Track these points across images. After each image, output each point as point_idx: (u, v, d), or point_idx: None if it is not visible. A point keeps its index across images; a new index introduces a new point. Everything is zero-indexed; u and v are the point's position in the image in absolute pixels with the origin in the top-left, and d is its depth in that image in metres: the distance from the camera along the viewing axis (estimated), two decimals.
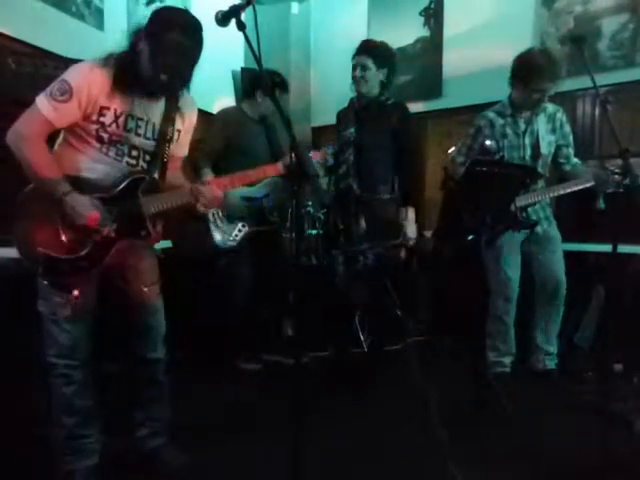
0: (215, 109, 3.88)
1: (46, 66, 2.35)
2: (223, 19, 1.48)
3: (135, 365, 1.80)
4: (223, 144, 2.87)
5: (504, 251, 2.56)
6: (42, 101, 1.50)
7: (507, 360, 2.66)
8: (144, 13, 3.48)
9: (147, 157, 1.68)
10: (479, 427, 2.15)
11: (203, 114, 4.02)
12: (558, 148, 2.65)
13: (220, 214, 2.84)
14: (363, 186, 2.67)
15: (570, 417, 2.27)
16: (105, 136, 1.58)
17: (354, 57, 2.68)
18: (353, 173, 2.68)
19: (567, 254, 2.73)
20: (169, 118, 1.68)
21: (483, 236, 2.18)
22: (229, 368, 2.93)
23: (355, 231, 2.66)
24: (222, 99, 4.30)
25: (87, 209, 1.51)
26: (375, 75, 2.66)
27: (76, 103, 1.50)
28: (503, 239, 2.51)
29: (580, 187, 2.49)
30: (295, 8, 4.76)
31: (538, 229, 2.60)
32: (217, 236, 2.84)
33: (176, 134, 1.73)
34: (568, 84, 3.34)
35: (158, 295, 1.81)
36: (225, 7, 1.47)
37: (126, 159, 1.64)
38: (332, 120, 4.07)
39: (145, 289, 1.75)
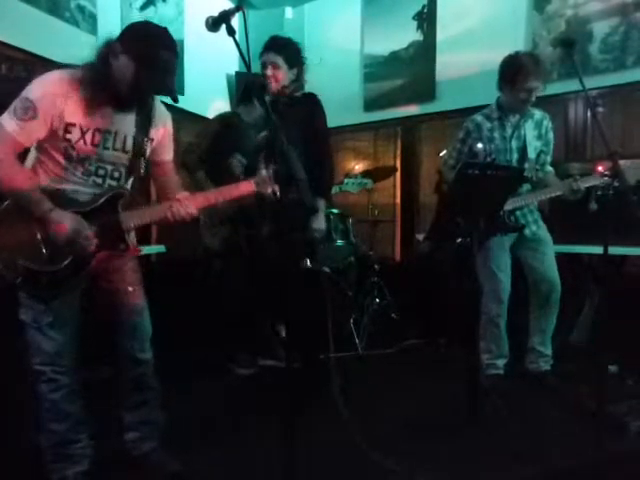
0: (210, 113, 3.89)
1: (38, 71, 2.35)
2: (213, 25, 1.49)
3: (124, 366, 1.79)
4: (217, 147, 2.86)
5: (494, 253, 2.58)
6: (7, 121, 1.49)
7: (500, 362, 2.66)
8: (138, 18, 3.49)
9: (116, 174, 1.68)
10: (473, 430, 2.16)
11: (198, 118, 4.04)
12: (538, 154, 2.68)
13: (212, 216, 2.83)
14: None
15: (565, 419, 2.26)
16: (73, 154, 1.57)
17: (262, 54, 2.53)
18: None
19: (561, 256, 2.74)
20: (142, 129, 1.68)
21: (474, 239, 2.19)
22: (224, 372, 2.92)
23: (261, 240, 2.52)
24: (217, 103, 4.31)
25: (74, 225, 1.52)
26: (286, 74, 2.55)
27: (41, 119, 1.50)
28: (492, 241, 2.53)
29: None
30: (289, 13, 4.80)
31: (527, 232, 2.61)
32: (208, 238, 2.83)
33: (149, 144, 1.73)
34: (560, 87, 3.38)
35: (143, 295, 1.82)
36: (216, 13, 1.48)
37: (92, 178, 1.63)
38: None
39: (131, 289, 1.76)
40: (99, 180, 1.65)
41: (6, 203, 1.54)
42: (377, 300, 3.66)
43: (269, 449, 1.48)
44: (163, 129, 1.77)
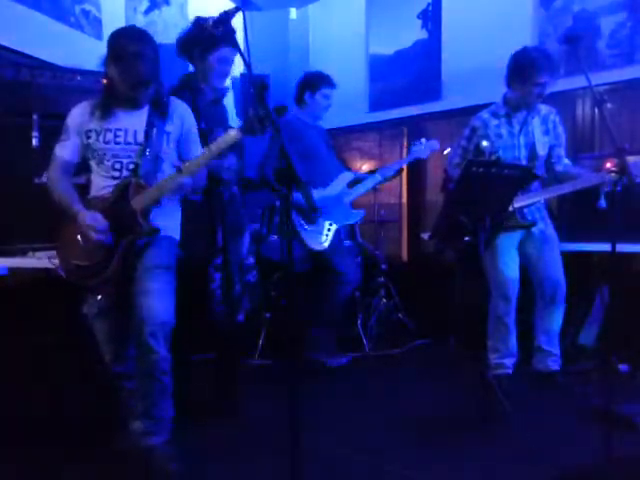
0: None
1: (43, 76, 2.38)
2: (214, 26, 1.50)
3: (137, 352, 1.84)
4: None
5: (501, 252, 2.55)
6: (56, 147, 1.89)
7: (508, 362, 2.63)
8: (142, 22, 3.51)
9: (131, 165, 1.87)
10: (481, 430, 2.15)
11: None
12: (551, 148, 2.66)
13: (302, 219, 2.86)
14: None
15: (574, 418, 2.25)
16: (95, 154, 1.88)
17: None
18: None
19: (570, 254, 2.71)
20: (154, 123, 1.88)
21: (481, 237, 2.17)
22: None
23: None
24: None
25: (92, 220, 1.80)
26: None
27: (73, 136, 1.88)
28: (500, 239, 2.50)
29: (577, 188, 2.49)
30: (293, 13, 4.79)
31: (534, 230, 2.59)
32: (309, 241, 2.87)
33: (164, 136, 1.90)
34: (567, 83, 3.34)
35: (162, 280, 1.86)
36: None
37: (112, 173, 1.88)
38: (331, 124, 4.08)
39: (144, 274, 1.83)
40: (116, 174, 1.88)
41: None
42: (384, 300, 3.65)
43: (273, 452, 1.48)
44: (181, 123, 1.95)
